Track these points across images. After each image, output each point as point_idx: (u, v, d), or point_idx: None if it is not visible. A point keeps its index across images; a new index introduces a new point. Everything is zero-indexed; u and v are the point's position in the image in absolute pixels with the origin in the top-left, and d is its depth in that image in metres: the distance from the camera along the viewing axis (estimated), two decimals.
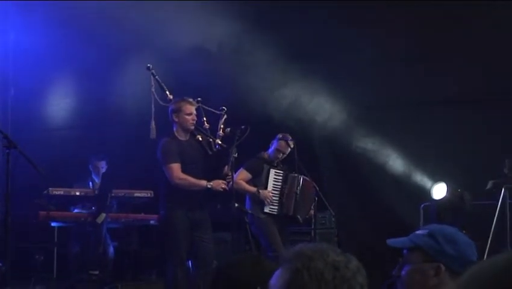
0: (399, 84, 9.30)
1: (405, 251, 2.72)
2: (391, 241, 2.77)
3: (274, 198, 7.86)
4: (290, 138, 7.96)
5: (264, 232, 7.79)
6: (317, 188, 8.07)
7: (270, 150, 8.05)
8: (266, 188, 7.87)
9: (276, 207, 7.85)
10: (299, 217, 7.96)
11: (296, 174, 7.95)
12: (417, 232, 2.73)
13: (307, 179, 8.02)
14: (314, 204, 8.06)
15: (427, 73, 9.25)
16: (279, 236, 7.76)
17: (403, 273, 2.67)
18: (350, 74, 9.40)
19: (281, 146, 7.96)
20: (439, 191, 8.81)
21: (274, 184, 7.91)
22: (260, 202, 7.81)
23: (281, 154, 8.00)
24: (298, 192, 7.91)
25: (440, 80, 9.17)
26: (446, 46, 9.14)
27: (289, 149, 7.95)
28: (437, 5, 8.94)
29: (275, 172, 7.93)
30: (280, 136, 8.00)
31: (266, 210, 7.79)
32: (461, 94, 9.21)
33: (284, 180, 7.94)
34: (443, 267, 2.60)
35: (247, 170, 7.89)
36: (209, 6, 8.79)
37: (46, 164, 8.06)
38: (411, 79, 9.25)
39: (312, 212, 8.10)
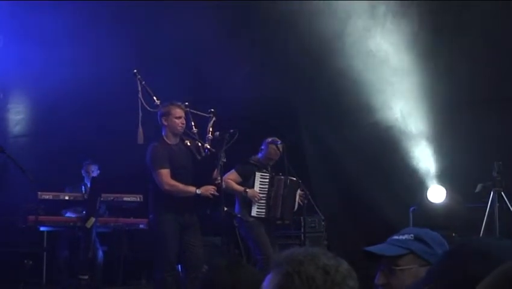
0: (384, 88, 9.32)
1: (384, 259, 2.65)
2: (376, 248, 2.68)
3: (261, 201, 7.85)
4: (279, 141, 7.94)
5: (252, 234, 7.78)
6: (305, 190, 8.06)
7: (260, 154, 8.04)
8: None
9: (264, 210, 7.84)
10: (286, 219, 7.96)
11: (282, 177, 7.94)
12: (399, 237, 2.67)
13: (293, 179, 8.00)
14: (298, 194, 8.05)
15: None
16: (267, 238, 7.76)
17: (392, 280, 2.61)
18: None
19: (271, 152, 7.96)
20: (436, 194, 8.76)
21: (260, 187, 7.89)
22: (248, 205, 7.81)
23: (272, 160, 8.00)
24: (285, 195, 7.89)
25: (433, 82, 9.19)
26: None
27: (279, 154, 7.93)
28: None
29: (261, 175, 7.91)
30: (270, 140, 7.98)
31: (254, 213, 7.78)
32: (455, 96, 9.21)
33: (271, 183, 7.92)
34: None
35: (239, 173, 7.89)
36: None
37: (36, 168, 8.04)
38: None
39: (301, 198, 8.08)
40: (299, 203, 8.10)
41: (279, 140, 7.94)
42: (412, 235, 2.66)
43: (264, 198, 7.87)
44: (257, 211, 7.80)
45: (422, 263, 2.60)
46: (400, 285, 2.60)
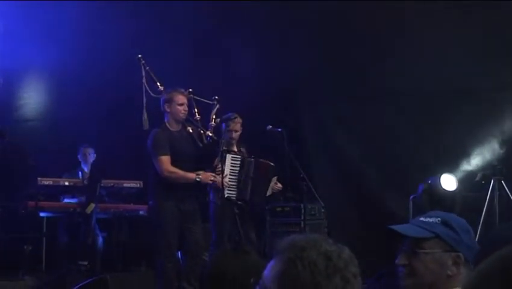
0: (388, 72, 9.29)
1: (407, 239, 2.64)
2: (401, 228, 2.66)
3: (232, 183, 7.72)
4: (233, 114, 7.74)
5: (214, 218, 7.63)
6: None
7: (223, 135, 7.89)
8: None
9: (235, 192, 7.72)
10: (257, 202, 7.81)
11: (252, 159, 7.79)
12: (425, 219, 2.65)
13: (263, 161, 7.84)
14: (273, 180, 7.90)
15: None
16: (227, 228, 7.56)
17: (414, 261, 2.60)
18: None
19: (229, 124, 7.72)
20: (448, 182, 8.68)
21: (231, 169, 7.74)
22: (217, 188, 7.61)
23: (234, 132, 7.76)
24: (255, 178, 7.72)
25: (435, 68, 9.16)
26: None
27: (239, 124, 7.75)
28: None
29: (232, 157, 7.73)
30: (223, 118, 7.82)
31: (225, 195, 7.53)
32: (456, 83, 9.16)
33: (241, 166, 7.78)
34: (462, 257, 2.56)
35: None
36: None
37: (36, 154, 8.04)
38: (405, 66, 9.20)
39: (278, 186, 7.96)
40: (273, 189, 7.96)
41: (231, 114, 7.76)
42: (439, 219, 2.64)
43: (235, 180, 7.76)
44: (228, 193, 7.68)
45: (446, 248, 2.59)
46: (422, 268, 2.59)
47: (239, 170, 7.73)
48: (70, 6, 9.27)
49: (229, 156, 7.72)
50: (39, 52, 9.36)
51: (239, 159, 7.77)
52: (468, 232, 2.63)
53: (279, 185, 8.04)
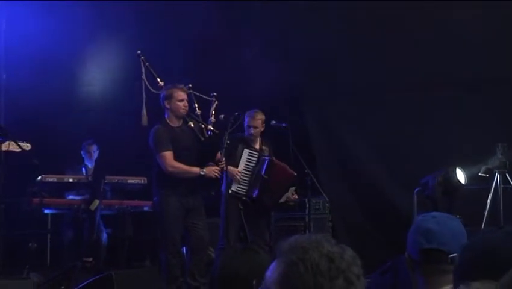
0: (389, 68, 9.26)
1: None
2: None
3: (244, 178, 7.72)
4: (255, 110, 7.79)
5: (222, 212, 7.62)
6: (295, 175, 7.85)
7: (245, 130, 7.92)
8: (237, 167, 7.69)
9: (245, 187, 7.71)
10: (265, 203, 7.75)
11: (266, 157, 7.75)
12: None
13: (281, 164, 7.80)
14: (291, 190, 7.90)
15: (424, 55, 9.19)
16: (234, 223, 7.54)
17: None
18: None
19: (248, 120, 7.75)
20: (461, 176, 8.63)
21: (246, 164, 7.71)
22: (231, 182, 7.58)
23: (253, 129, 7.76)
24: (265, 175, 7.70)
25: (437, 62, 9.12)
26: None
27: (259, 121, 7.77)
28: None
29: (249, 152, 7.74)
30: (246, 113, 7.85)
31: (233, 188, 7.59)
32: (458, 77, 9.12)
33: (257, 162, 7.77)
34: (406, 254, 2.81)
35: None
36: None
37: (39, 150, 8.04)
38: (407, 62, 9.18)
39: (294, 197, 7.98)
40: (288, 199, 7.93)
41: (254, 110, 7.79)
42: None
43: (248, 175, 7.73)
44: (238, 188, 7.67)
45: None
46: None
47: (253, 166, 7.72)
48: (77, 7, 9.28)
49: (246, 151, 7.73)
50: (46, 50, 9.37)
51: (256, 156, 7.76)
52: (412, 230, 2.81)
53: (296, 196, 8.02)
